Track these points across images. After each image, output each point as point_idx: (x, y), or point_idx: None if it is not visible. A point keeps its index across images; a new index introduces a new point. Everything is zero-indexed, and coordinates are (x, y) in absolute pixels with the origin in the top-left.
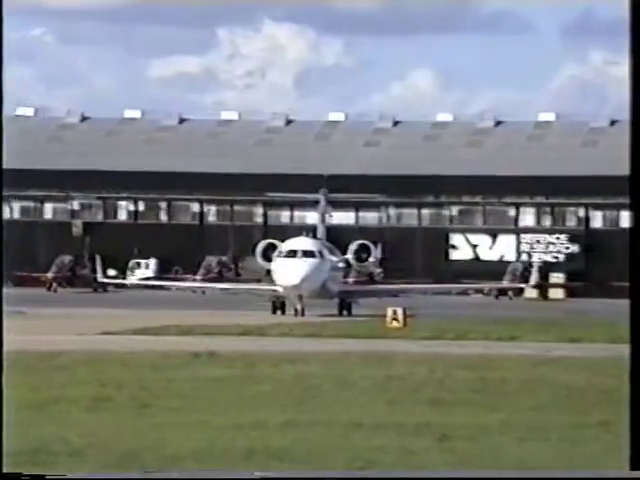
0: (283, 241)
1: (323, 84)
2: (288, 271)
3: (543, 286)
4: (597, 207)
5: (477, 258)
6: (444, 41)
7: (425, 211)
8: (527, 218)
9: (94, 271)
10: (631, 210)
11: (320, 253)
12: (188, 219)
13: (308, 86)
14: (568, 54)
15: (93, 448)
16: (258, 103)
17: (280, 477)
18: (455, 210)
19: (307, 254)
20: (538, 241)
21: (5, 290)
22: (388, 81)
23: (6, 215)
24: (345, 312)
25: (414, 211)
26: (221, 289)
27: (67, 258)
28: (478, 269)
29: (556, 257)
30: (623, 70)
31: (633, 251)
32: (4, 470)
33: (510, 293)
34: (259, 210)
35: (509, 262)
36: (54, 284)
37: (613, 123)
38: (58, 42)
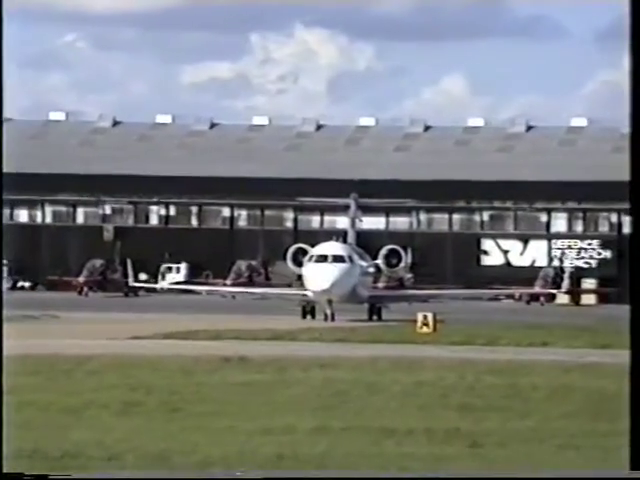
0: (313, 246)
1: (355, 89)
2: (318, 276)
3: (575, 292)
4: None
5: (508, 263)
6: (476, 46)
7: (456, 216)
8: (559, 223)
9: (125, 275)
10: (631, 215)
11: (350, 258)
12: (219, 224)
13: (340, 91)
14: (602, 59)
15: (126, 452)
16: (290, 108)
17: (280, 477)
18: (486, 215)
19: (337, 259)
20: (570, 247)
21: (36, 294)
22: (420, 86)
23: (38, 219)
24: (375, 317)
25: (445, 216)
26: (251, 293)
27: (98, 262)
28: (509, 275)
29: (588, 263)
30: None
31: (633, 253)
32: (4, 470)
33: (542, 299)
34: (289, 215)
35: (541, 268)
36: (85, 288)
37: None
38: (92, 48)
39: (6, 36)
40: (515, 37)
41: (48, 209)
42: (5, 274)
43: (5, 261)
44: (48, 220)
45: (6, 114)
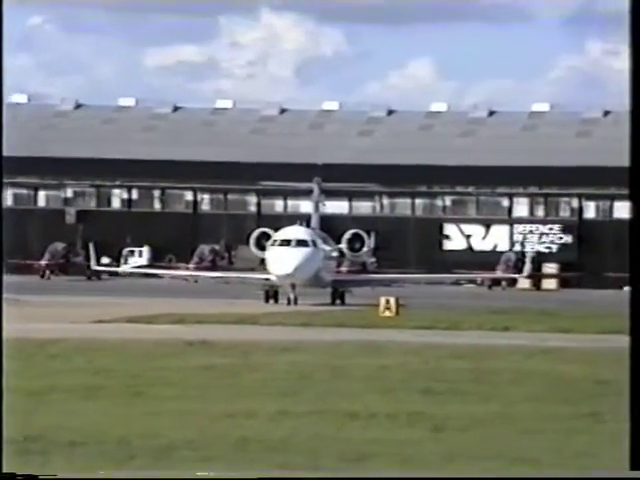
0: (277, 230)
1: (321, 74)
2: (281, 260)
3: (536, 276)
4: (590, 197)
5: (470, 248)
6: (443, 31)
7: (419, 201)
8: (520, 208)
9: (87, 259)
10: (632, 203)
11: (313, 242)
12: (182, 207)
13: (306, 76)
14: (567, 44)
15: (88, 436)
16: (257, 92)
17: (280, 477)
18: (448, 200)
19: (300, 243)
20: (531, 231)
21: None
22: (386, 70)
23: None
24: (338, 301)
25: (408, 201)
26: (214, 278)
27: (60, 246)
28: (471, 259)
29: (549, 247)
30: (622, 60)
31: (633, 250)
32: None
33: (503, 283)
34: (253, 199)
35: (502, 252)
36: (47, 272)
37: (607, 114)
38: (58, 30)
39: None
40: (482, 22)
41: (9, 192)
42: None
43: None
44: (9, 203)
45: None
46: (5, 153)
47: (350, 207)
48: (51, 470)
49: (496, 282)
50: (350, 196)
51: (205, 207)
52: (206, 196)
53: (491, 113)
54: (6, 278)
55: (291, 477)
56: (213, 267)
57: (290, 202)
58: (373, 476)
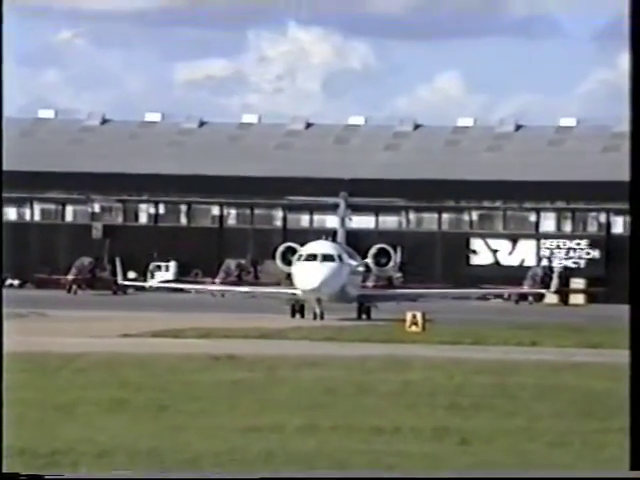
0: (302, 245)
1: (349, 88)
2: (307, 275)
3: (563, 291)
4: (618, 212)
5: (497, 263)
6: (472, 45)
7: (445, 216)
8: (548, 223)
9: (114, 274)
10: (631, 215)
11: (339, 257)
12: (208, 222)
13: (334, 90)
14: (598, 58)
15: (116, 449)
16: (284, 107)
17: (281, 477)
18: (475, 215)
19: (326, 258)
20: (559, 246)
21: (25, 292)
22: (414, 85)
23: (27, 217)
24: (364, 316)
25: (434, 215)
26: (240, 292)
27: (87, 260)
28: (498, 274)
29: (577, 262)
30: None
31: (633, 254)
32: (3, 470)
33: (530, 298)
34: (279, 213)
35: (529, 267)
36: (74, 286)
37: None
38: (88, 45)
39: (3, 33)
40: (512, 36)
41: (37, 207)
42: None
43: None
44: (37, 218)
45: None
46: (32, 168)
47: (376, 222)
48: None
49: (523, 297)
50: (376, 211)
51: (231, 222)
52: (232, 211)
53: (518, 128)
54: (33, 292)
55: (291, 477)
56: (239, 282)
57: (316, 217)
58: (373, 476)
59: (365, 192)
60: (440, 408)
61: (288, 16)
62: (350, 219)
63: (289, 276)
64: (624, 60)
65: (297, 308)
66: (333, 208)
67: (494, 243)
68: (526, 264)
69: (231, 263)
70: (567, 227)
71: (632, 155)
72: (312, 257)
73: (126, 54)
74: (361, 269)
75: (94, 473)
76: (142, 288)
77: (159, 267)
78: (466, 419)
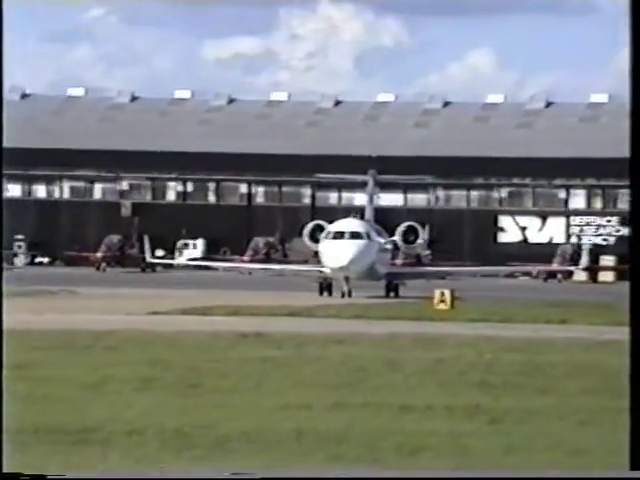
0: (331, 222)
1: (381, 65)
2: (335, 252)
3: (593, 269)
4: None
5: (526, 240)
6: (504, 21)
7: (474, 193)
8: (577, 200)
9: (142, 251)
10: (631, 208)
11: (368, 235)
12: (236, 200)
13: (365, 67)
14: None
15: (145, 427)
16: (315, 84)
17: (281, 477)
18: (504, 192)
19: (355, 236)
20: (588, 223)
21: (54, 269)
22: (445, 62)
23: (56, 195)
24: (392, 294)
25: (463, 193)
26: (268, 270)
27: (116, 238)
28: (527, 252)
29: (606, 240)
30: None
31: (633, 249)
32: (4, 470)
33: (559, 276)
34: (307, 191)
35: (558, 244)
36: (103, 264)
37: None
38: (120, 22)
39: (34, 11)
40: (544, 12)
41: (66, 185)
42: (23, 249)
43: (22, 236)
44: (66, 196)
45: (30, 89)
46: (62, 145)
47: (405, 199)
48: (109, 461)
49: (552, 275)
50: (405, 188)
51: (259, 200)
52: (260, 189)
53: (548, 104)
54: (62, 270)
55: (291, 477)
56: (267, 259)
57: (344, 194)
58: (373, 476)
59: (394, 169)
60: (470, 386)
61: None
62: (378, 197)
63: (317, 254)
64: None
65: (325, 286)
66: (361, 186)
67: (523, 220)
68: (555, 241)
69: (259, 241)
70: (597, 204)
71: (632, 154)
72: (340, 235)
73: (157, 32)
74: (389, 247)
75: (96, 473)
76: (170, 266)
77: (187, 245)
78: (496, 397)
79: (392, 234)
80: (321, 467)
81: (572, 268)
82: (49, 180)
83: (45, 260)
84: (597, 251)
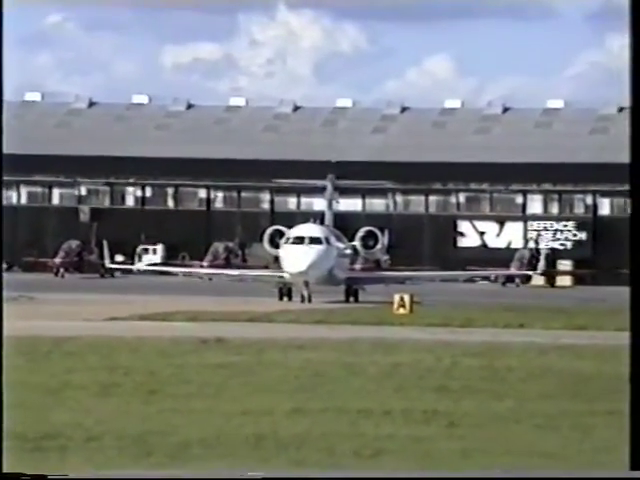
0: (290, 227)
1: (340, 71)
2: (295, 258)
3: (550, 273)
4: (605, 194)
5: (484, 245)
6: (463, 27)
7: (432, 198)
8: (535, 205)
9: (101, 257)
10: (632, 204)
11: (327, 240)
12: (195, 205)
13: (324, 73)
14: (590, 40)
15: (104, 434)
16: (275, 91)
17: (281, 477)
18: (462, 197)
19: (314, 241)
20: (546, 228)
21: (12, 275)
22: (404, 68)
23: (13, 200)
24: (352, 299)
25: (421, 198)
26: (228, 275)
27: (74, 243)
28: (485, 256)
29: (563, 244)
30: None
31: (633, 248)
32: (4, 470)
33: (517, 280)
34: (266, 196)
35: (516, 249)
36: (61, 269)
37: (621, 110)
38: (78, 28)
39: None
40: (502, 18)
41: (23, 190)
42: None
43: None
44: (23, 201)
45: None
46: (19, 151)
47: (364, 204)
48: (67, 466)
49: (510, 279)
50: (364, 193)
51: (218, 205)
52: (219, 194)
53: (505, 110)
54: (20, 276)
55: (291, 477)
56: (227, 265)
57: (303, 199)
58: (374, 476)
59: (352, 175)
60: (429, 391)
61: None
62: (337, 202)
63: (277, 259)
64: (615, 42)
65: (285, 291)
66: (320, 191)
67: (481, 225)
68: (513, 246)
69: (219, 246)
70: (554, 209)
71: (632, 153)
72: (300, 240)
73: (116, 37)
74: (349, 252)
75: (97, 473)
76: (129, 271)
77: (146, 250)
78: (455, 402)
79: (351, 239)
80: (321, 467)
81: (530, 272)
82: (7, 185)
83: (3, 266)
84: (554, 256)
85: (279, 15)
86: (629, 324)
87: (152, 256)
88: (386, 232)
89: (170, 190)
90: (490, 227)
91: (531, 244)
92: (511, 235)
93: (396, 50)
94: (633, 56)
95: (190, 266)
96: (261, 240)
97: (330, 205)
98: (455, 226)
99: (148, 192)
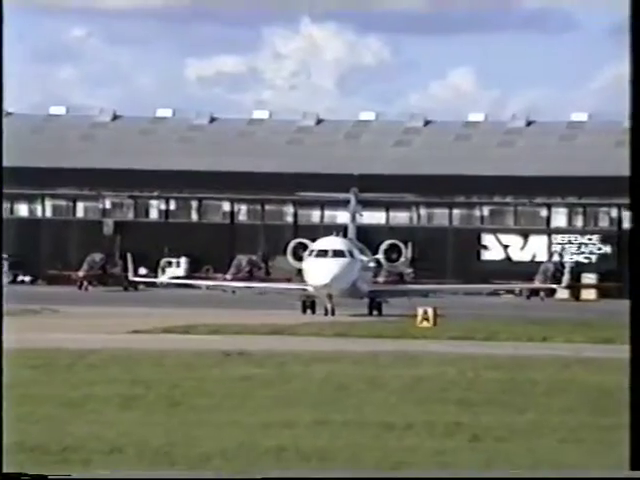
0: (313, 240)
1: (363, 84)
2: (318, 270)
3: (575, 287)
4: (630, 207)
5: (508, 258)
6: (486, 40)
7: (456, 211)
8: (559, 218)
9: (125, 270)
10: (631, 211)
11: (350, 253)
12: (219, 218)
13: (348, 86)
14: (613, 54)
15: (127, 446)
16: (298, 104)
17: (280, 477)
18: (486, 210)
19: (337, 254)
20: (570, 241)
21: (36, 288)
22: (427, 80)
23: (38, 213)
24: (375, 312)
25: (445, 211)
26: (251, 288)
27: (98, 256)
28: (509, 270)
29: (588, 258)
30: None
31: (633, 252)
32: (4, 470)
33: (542, 294)
34: (289, 209)
35: (541, 262)
36: (85, 282)
37: None
38: (103, 42)
39: (18, 30)
40: (526, 31)
41: (48, 203)
42: (5, 268)
43: (5, 255)
44: (48, 214)
45: (12, 108)
46: (44, 164)
47: (387, 217)
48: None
49: (534, 292)
50: (387, 206)
51: (242, 218)
52: (243, 207)
53: (529, 123)
54: (44, 289)
55: (291, 477)
56: (250, 278)
57: (327, 212)
58: (374, 476)
59: (376, 188)
60: (452, 404)
61: (301, 13)
62: (361, 215)
63: (300, 272)
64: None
65: (308, 304)
66: (344, 204)
67: (505, 238)
68: (537, 259)
69: (242, 259)
70: (578, 222)
71: (632, 153)
72: (323, 253)
73: (140, 51)
74: (372, 265)
75: (98, 473)
76: (153, 284)
77: (170, 263)
78: (477, 415)
79: (375, 252)
80: (321, 467)
81: (554, 286)
82: (31, 199)
83: (27, 279)
84: (579, 269)
85: (303, 28)
86: (629, 328)
87: (175, 269)
88: (409, 245)
89: (194, 203)
90: (514, 240)
91: (555, 257)
92: (535, 248)
93: (419, 63)
94: (633, 58)
95: (213, 279)
96: (284, 253)
97: (353, 218)
98: (479, 239)
99: (172, 205)
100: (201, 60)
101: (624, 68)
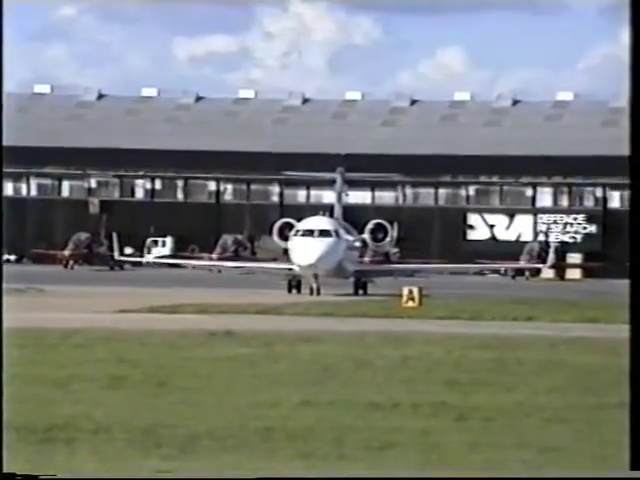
0: (299, 220)
1: (353, 63)
2: (304, 250)
3: (560, 266)
4: (615, 187)
5: (494, 238)
6: (477, 19)
7: (442, 191)
8: (544, 198)
9: (111, 249)
10: (631, 193)
11: (336, 232)
12: (205, 198)
13: (338, 65)
14: (601, 34)
15: (113, 425)
16: (287, 83)
17: (280, 477)
18: (472, 190)
19: (323, 233)
20: (555, 221)
21: (21, 267)
22: (417, 60)
23: (23, 192)
24: (361, 291)
25: (431, 191)
26: (237, 268)
27: (84, 236)
28: (495, 249)
29: (573, 237)
30: None
31: (633, 245)
32: (4, 470)
33: (527, 273)
34: (275, 189)
35: (526, 242)
36: (71, 262)
37: None
38: (93, 20)
39: (9, 6)
40: (516, 11)
41: (33, 182)
42: None
43: None
44: (33, 193)
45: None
46: (29, 143)
47: (373, 197)
48: (76, 458)
49: (520, 272)
50: (373, 186)
51: (228, 197)
52: (229, 186)
53: (515, 102)
54: (29, 268)
55: (291, 477)
56: (236, 257)
57: (313, 192)
58: (373, 476)
59: (362, 167)
60: (438, 384)
61: None
62: (347, 194)
63: (286, 252)
64: (628, 35)
65: (294, 284)
66: (330, 183)
67: (491, 218)
68: (523, 239)
69: (228, 239)
70: (564, 202)
71: (632, 147)
72: (309, 232)
73: (130, 30)
74: (358, 244)
75: (94, 473)
76: (139, 264)
77: (156, 242)
78: (464, 395)
79: (361, 232)
80: (321, 467)
81: (540, 266)
82: (16, 177)
83: (12, 258)
84: (564, 249)
85: (293, 7)
86: (629, 328)
87: (161, 248)
88: (395, 225)
89: (180, 182)
90: (500, 220)
91: (541, 237)
92: (521, 228)
93: (409, 42)
94: (633, 55)
95: (199, 258)
96: (270, 233)
97: (339, 198)
98: (465, 219)
99: (158, 184)
100: (191, 39)
101: (612, 48)
